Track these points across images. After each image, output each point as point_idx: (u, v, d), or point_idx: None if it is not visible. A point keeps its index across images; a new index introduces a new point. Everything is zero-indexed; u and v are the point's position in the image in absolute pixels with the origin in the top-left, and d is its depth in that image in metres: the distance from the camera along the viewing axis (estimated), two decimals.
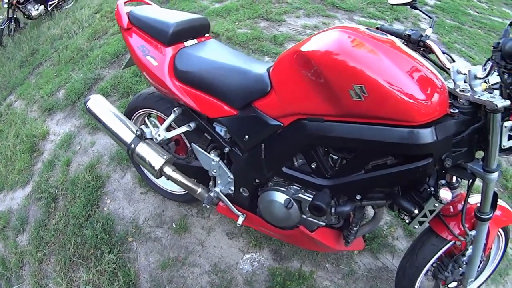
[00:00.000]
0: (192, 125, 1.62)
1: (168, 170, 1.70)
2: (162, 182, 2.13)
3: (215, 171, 1.62)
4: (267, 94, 1.32)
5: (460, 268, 1.44)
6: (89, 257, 2.05)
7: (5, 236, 2.41)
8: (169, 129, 1.71)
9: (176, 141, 1.92)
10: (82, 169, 2.49)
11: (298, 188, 1.42)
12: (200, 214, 2.14)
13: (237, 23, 3.71)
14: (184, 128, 1.63)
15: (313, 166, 1.33)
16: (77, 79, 3.34)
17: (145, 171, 2.15)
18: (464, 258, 1.42)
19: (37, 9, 5.97)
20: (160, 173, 1.70)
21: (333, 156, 1.32)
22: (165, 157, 1.69)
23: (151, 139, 1.73)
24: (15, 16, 5.95)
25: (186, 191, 1.85)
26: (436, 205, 1.23)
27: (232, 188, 1.61)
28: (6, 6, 5.74)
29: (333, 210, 1.34)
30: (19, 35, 5.56)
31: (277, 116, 1.31)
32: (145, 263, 1.96)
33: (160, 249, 2.00)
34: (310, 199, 1.35)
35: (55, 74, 3.72)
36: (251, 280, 1.86)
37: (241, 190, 1.58)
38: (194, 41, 1.68)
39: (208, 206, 1.72)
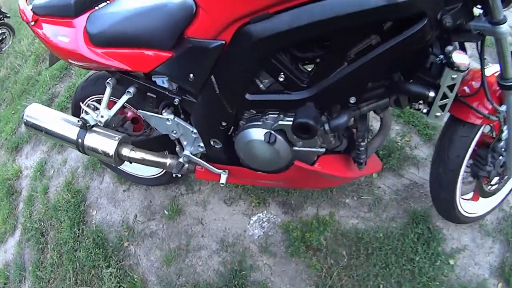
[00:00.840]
0: (132, 90, 1.36)
1: (125, 151, 1.46)
2: (137, 170, 1.90)
3: (174, 132, 1.36)
4: (195, 17, 1.08)
5: (501, 157, 1.26)
6: (91, 280, 1.83)
7: None
8: (111, 105, 1.45)
9: (134, 120, 1.68)
10: (59, 191, 2.28)
11: (276, 115, 1.15)
12: (190, 190, 1.89)
13: None
14: (124, 97, 1.38)
15: (281, 80, 1.05)
16: None
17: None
18: (501, 144, 1.24)
19: None
20: (118, 157, 1.46)
21: (302, 58, 1.07)
22: (116, 138, 1.44)
23: (96, 125, 1.48)
24: None
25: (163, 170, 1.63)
26: (454, 76, 0.97)
27: (201, 144, 1.35)
28: None
29: (327, 127, 1.07)
30: None
31: (215, 35, 1.05)
32: (148, 264, 1.73)
33: (159, 243, 1.77)
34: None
35: (13, 112, 3.49)
36: (266, 244, 1.61)
37: (211, 143, 1.32)
38: (106, 2, 1.44)
39: (180, 175, 1.48)
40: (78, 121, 1.47)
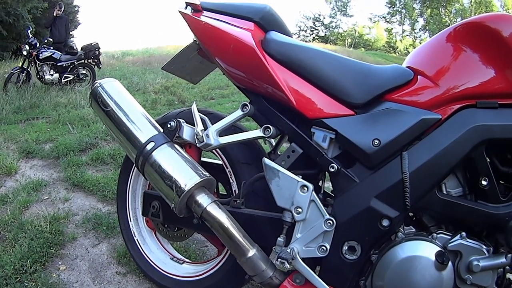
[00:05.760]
0: (273, 129, 1.09)
1: (204, 199, 1.05)
2: (161, 262, 1.52)
3: (299, 210, 0.99)
4: (409, 83, 1.03)
5: None
6: None
7: None
8: (222, 133, 1.16)
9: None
10: (40, 216, 2.04)
11: (448, 236, 0.96)
12: None
13: None
14: (257, 133, 1.11)
15: (483, 183, 0.93)
16: (72, 138, 3.19)
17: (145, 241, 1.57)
18: None
19: (52, 75, 6.00)
20: (188, 201, 1.06)
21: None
22: (204, 174, 1.09)
23: (186, 143, 1.20)
24: (29, 69, 5.94)
25: (203, 273, 1.31)
26: None
27: (326, 245, 0.99)
28: (25, 53, 5.78)
29: None
30: (26, 88, 5.51)
31: (430, 105, 0.97)
32: None
33: None
34: (480, 248, 0.92)
35: (49, 129, 3.56)
36: None
37: (344, 248, 1.00)
38: None
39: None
40: (171, 122, 1.16)
